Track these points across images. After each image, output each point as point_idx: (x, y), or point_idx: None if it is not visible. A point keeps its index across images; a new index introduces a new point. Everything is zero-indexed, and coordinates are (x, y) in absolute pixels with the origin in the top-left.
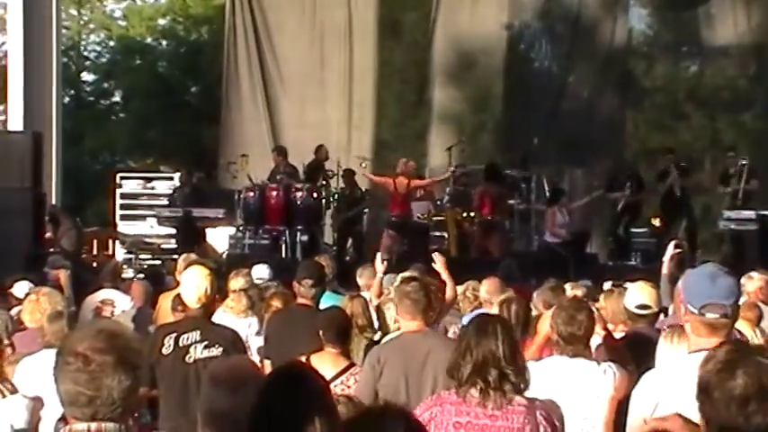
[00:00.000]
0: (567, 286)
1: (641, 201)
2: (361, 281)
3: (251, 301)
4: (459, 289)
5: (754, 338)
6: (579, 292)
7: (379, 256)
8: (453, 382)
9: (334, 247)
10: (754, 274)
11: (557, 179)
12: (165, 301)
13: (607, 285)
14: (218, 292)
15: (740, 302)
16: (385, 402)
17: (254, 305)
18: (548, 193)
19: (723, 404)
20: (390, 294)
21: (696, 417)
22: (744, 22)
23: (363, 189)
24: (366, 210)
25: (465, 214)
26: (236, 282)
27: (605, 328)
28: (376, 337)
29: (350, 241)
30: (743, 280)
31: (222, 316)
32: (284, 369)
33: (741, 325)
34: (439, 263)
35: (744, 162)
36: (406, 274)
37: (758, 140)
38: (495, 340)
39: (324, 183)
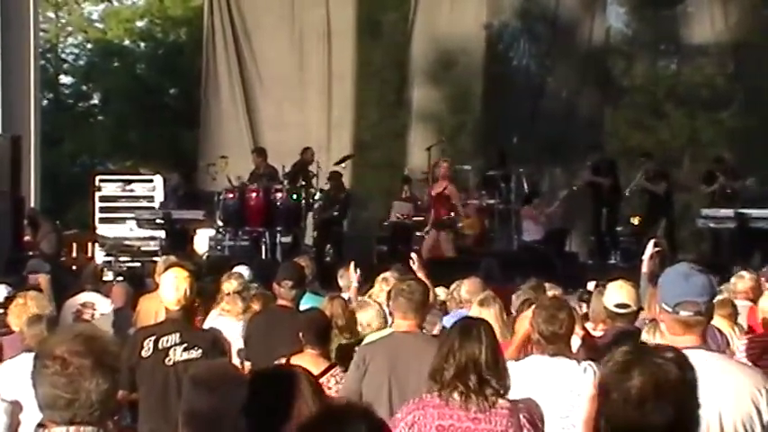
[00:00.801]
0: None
1: (616, 187)
2: (341, 281)
3: (246, 303)
4: (440, 290)
5: (732, 335)
6: (557, 293)
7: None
8: (436, 386)
9: (314, 249)
10: (744, 273)
11: (536, 178)
12: (146, 303)
13: (591, 285)
14: (199, 295)
15: (716, 299)
16: (347, 401)
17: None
18: (527, 191)
19: (621, 404)
20: (373, 295)
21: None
22: (721, 20)
23: (347, 191)
24: (336, 211)
25: (446, 216)
26: (230, 284)
27: (584, 328)
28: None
29: (330, 242)
30: (733, 279)
31: (219, 319)
32: (271, 367)
33: (719, 322)
34: (416, 263)
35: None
36: (386, 274)
37: (736, 138)
38: (479, 344)
39: (304, 184)
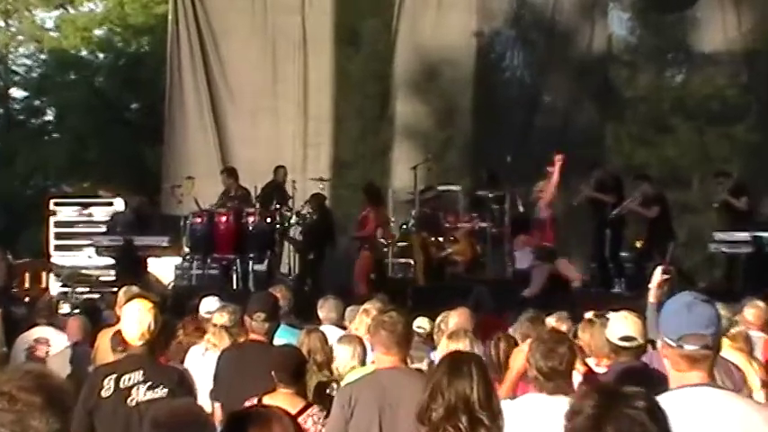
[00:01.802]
0: (552, 318)
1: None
2: (321, 313)
3: (233, 338)
4: (424, 320)
5: (750, 371)
6: (564, 327)
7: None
8: (423, 428)
9: (290, 277)
10: (758, 302)
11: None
12: (105, 338)
13: (588, 315)
14: (163, 328)
15: (732, 332)
16: None
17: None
18: (521, 215)
19: None
20: (353, 328)
21: None
22: (734, 25)
23: (331, 215)
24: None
25: (432, 239)
26: (221, 317)
27: (585, 363)
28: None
29: (310, 272)
30: (745, 308)
31: (208, 354)
32: (249, 408)
33: (736, 357)
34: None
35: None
36: (367, 305)
37: (750, 154)
38: (470, 381)
39: (278, 206)
